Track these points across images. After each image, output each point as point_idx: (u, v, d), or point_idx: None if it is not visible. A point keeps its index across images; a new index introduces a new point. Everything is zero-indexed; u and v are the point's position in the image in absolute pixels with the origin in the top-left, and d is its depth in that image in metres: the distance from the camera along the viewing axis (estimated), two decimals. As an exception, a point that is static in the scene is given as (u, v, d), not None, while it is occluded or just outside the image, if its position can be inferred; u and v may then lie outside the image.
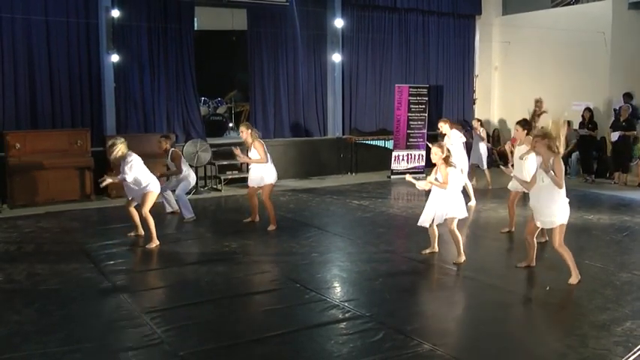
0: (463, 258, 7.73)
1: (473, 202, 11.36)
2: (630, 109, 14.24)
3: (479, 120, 14.40)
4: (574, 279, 6.88)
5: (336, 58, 15.47)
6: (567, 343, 5.34)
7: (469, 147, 12.84)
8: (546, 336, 5.60)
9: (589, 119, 14.51)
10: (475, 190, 11.79)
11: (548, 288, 6.79)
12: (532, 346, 5.42)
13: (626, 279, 7.15)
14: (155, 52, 13.37)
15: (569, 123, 15.22)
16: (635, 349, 4.43)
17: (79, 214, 10.86)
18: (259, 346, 5.34)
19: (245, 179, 13.56)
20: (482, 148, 13.49)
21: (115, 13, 12.59)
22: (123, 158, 8.47)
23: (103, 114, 12.83)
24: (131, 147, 11.09)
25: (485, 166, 13.40)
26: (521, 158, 8.67)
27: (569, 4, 16.58)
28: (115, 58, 12.75)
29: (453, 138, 11.44)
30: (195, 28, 14.80)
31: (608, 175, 14.50)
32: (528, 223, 7.33)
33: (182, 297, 6.59)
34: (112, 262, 7.80)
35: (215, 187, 13.32)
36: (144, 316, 5.96)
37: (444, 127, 11.58)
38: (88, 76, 12.70)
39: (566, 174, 14.82)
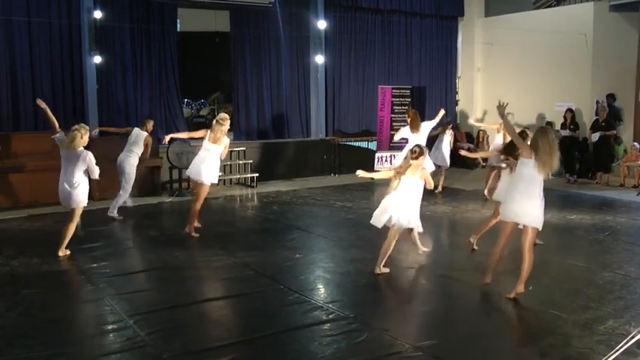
0: (384, 270, 7.44)
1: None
2: (607, 110, 14.40)
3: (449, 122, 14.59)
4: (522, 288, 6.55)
5: (319, 59, 15.48)
6: (551, 343, 5.38)
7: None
8: (530, 335, 5.64)
9: (571, 120, 14.63)
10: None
11: (530, 287, 6.83)
12: (515, 345, 5.46)
13: (609, 278, 7.22)
14: (138, 54, 13.32)
15: (550, 124, 15.41)
16: (617, 347, 4.48)
17: (62, 216, 10.72)
18: (243, 348, 5.34)
19: (229, 180, 13.64)
20: (447, 147, 13.52)
21: (98, 14, 12.53)
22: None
23: (85, 116, 12.73)
24: (114, 149, 11.11)
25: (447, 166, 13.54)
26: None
27: (550, 6, 16.71)
28: (97, 59, 12.69)
29: (424, 131, 11.74)
30: (178, 30, 14.76)
31: (590, 175, 14.63)
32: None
33: (166, 299, 6.56)
34: (95, 265, 7.74)
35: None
36: (127, 319, 5.93)
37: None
38: (71, 77, 12.63)
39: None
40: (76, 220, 8.12)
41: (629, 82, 14.94)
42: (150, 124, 10.80)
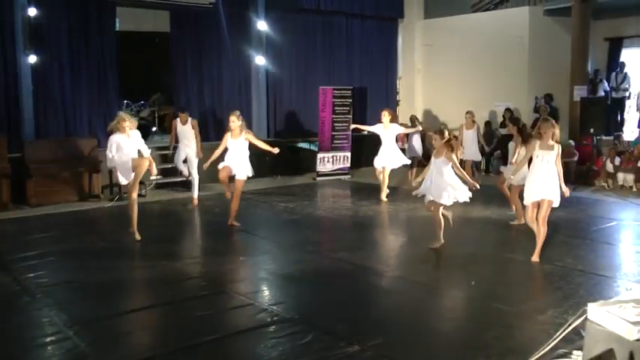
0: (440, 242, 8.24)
1: (383, 197, 11.88)
2: (548, 109, 14.80)
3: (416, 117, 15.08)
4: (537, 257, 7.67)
5: (260, 60, 15.40)
6: (494, 335, 5.47)
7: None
8: (473, 329, 5.72)
9: (509, 119, 14.95)
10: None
11: (473, 283, 6.95)
12: (459, 339, 5.53)
13: (548, 270, 7.42)
14: (75, 53, 12.92)
15: (489, 123, 15.80)
16: (555, 335, 4.62)
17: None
18: (188, 353, 5.24)
19: (169, 184, 13.41)
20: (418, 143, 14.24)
21: (32, 12, 12.06)
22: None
23: (21, 118, 12.27)
24: (52, 152, 10.79)
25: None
26: None
27: (488, 9, 17.10)
28: (32, 59, 12.23)
29: (393, 131, 11.95)
30: (117, 29, 14.40)
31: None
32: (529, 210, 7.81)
33: (107, 307, 6.38)
34: (32, 275, 7.42)
35: (140, 192, 12.95)
36: (67, 330, 5.73)
37: (385, 117, 11.93)
38: (4, 77, 12.09)
39: (487, 172, 15.45)
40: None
41: (563, 83, 15.39)
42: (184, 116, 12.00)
